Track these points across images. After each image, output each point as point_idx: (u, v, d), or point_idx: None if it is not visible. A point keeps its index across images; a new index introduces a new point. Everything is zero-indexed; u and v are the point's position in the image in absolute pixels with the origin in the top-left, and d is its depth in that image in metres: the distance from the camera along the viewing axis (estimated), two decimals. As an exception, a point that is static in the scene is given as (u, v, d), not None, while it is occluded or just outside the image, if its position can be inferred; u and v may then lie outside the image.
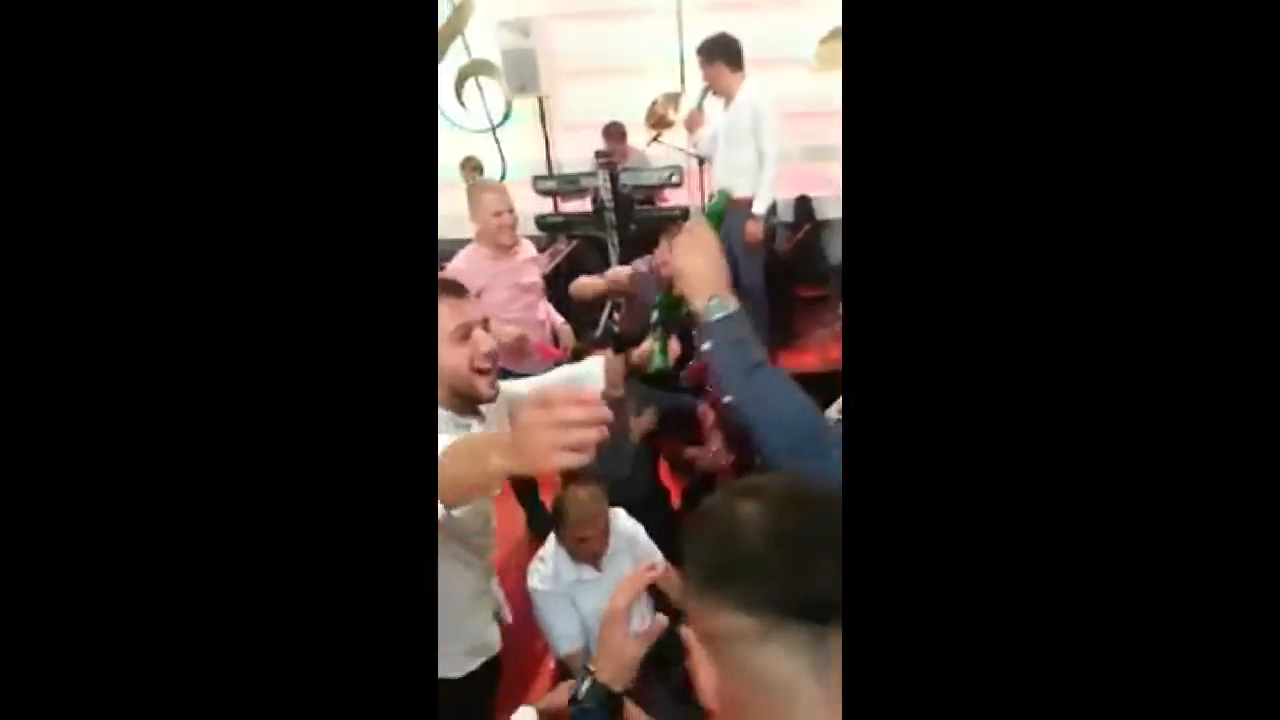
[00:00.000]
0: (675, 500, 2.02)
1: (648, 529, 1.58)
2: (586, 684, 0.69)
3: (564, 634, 1.47)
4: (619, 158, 3.17)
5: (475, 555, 1.05)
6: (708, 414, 1.93)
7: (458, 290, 0.94)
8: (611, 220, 2.76)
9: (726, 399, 0.66)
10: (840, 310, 3.32)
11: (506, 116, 3.74)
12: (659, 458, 2.03)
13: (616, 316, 2.38)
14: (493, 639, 1.14)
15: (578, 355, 1.67)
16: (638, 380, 1.86)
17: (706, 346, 0.69)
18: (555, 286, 2.46)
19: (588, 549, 1.44)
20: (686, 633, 0.41)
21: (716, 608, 0.38)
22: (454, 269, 1.95)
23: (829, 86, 3.27)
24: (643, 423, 1.82)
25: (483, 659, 1.10)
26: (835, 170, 3.60)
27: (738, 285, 0.90)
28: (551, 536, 1.50)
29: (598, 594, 1.42)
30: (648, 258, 2.12)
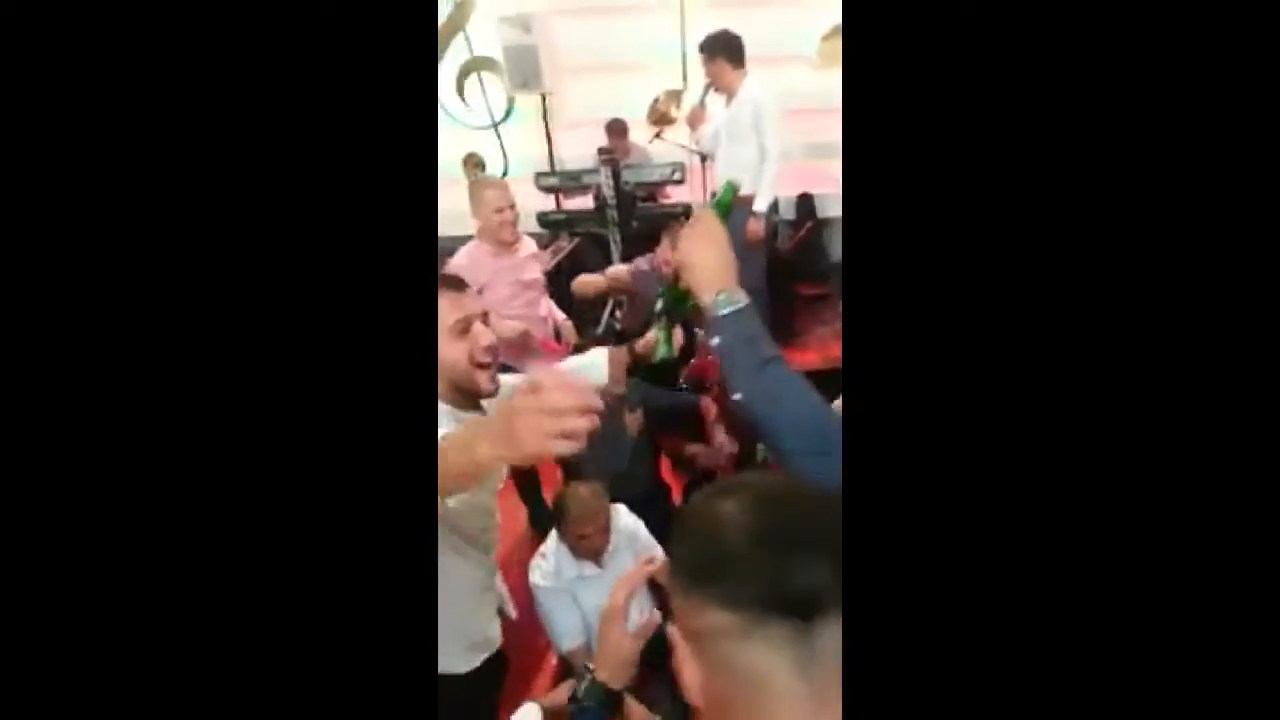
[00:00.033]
0: (676, 497, 2.02)
1: (649, 526, 1.59)
2: (586, 682, 0.69)
3: (565, 630, 1.47)
4: (621, 155, 3.16)
5: (478, 550, 1.05)
6: (710, 409, 1.93)
7: (457, 285, 0.93)
8: (613, 217, 2.77)
9: (736, 396, 0.65)
10: (841, 308, 3.32)
11: (509, 113, 3.73)
12: (660, 454, 2.03)
13: (619, 314, 2.38)
14: (495, 635, 1.14)
15: (580, 351, 1.67)
16: (640, 378, 1.87)
17: (715, 342, 0.67)
18: (557, 284, 2.46)
19: (589, 546, 1.44)
20: (671, 630, 0.41)
21: (701, 605, 0.39)
22: (455, 265, 1.95)
23: (831, 84, 3.26)
24: (635, 419, 1.82)
25: (486, 655, 1.10)
26: (837, 168, 3.58)
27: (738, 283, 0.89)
28: (553, 533, 1.50)
29: (599, 590, 1.42)
30: (649, 255, 2.12)
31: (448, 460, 0.61)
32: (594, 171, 2.80)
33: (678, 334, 1.11)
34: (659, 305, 0.97)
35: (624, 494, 1.59)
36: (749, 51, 2.60)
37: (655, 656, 0.72)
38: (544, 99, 3.48)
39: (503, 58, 3.36)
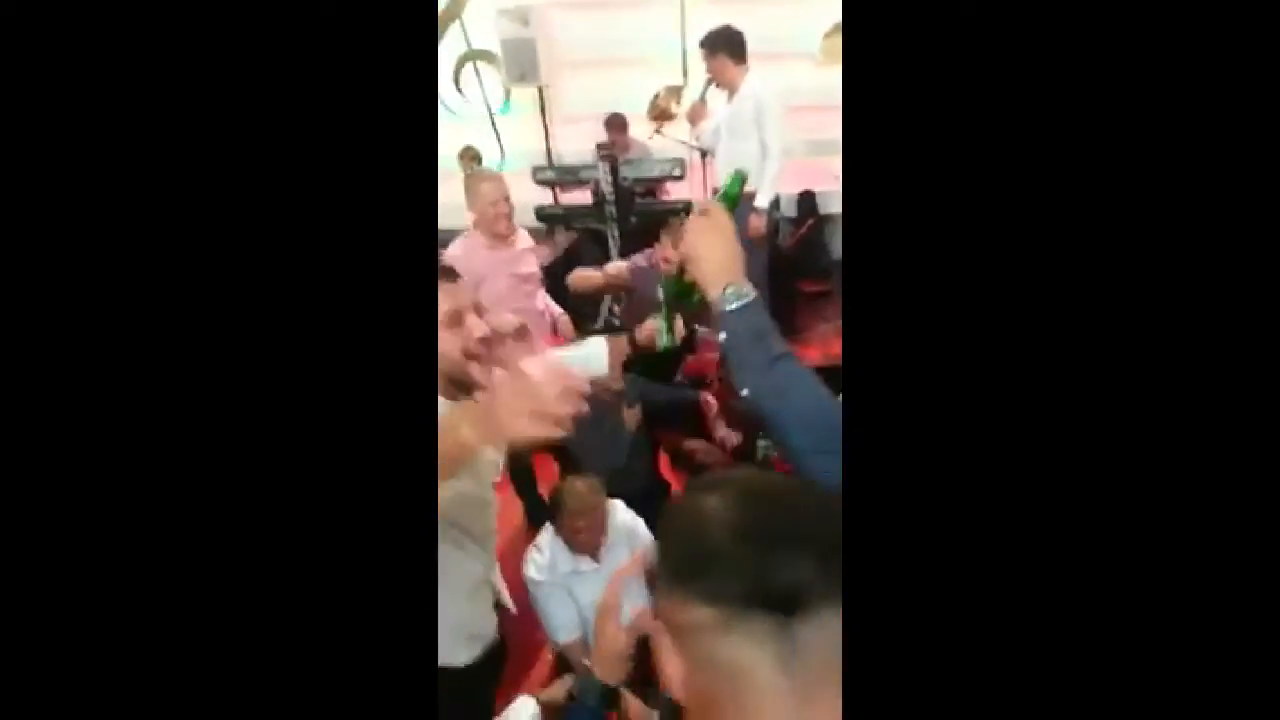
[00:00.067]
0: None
1: (647, 522, 1.58)
2: (582, 679, 0.68)
3: (561, 624, 1.47)
4: (620, 150, 3.15)
5: (475, 543, 1.04)
6: (710, 405, 1.92)
7: (449, 275, 0.92)
8: (611, 213, 2.75)
9: (743, 393, 0.64)
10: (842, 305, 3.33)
11: (506, 106, 3.71)
12: (659, 450, 2.02)
13: (616, 309, 2.36)
14: (492, 627, 1.13)
15: (577, 347, 1.65)
16: (637, 373, 1.85)
17: (722, 338, 0.66)
18: (554, 279, 2.44)
19: (584, 540, 1.43)
20: (654, 625, 0.41)
21: (684, 600, 0.39)
22: (450, 257, 1.93)
23: (833, 80, 3.25)
24: (633, 415, 1.80)
25: (483, 647, 1.09)
26: (839, 165, 3.58)
27: None
28: (548, 526, 1.49)
29: (595, 585, 1.41)
30: (648, 251, 2.10)
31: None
32: (592, 166, 2.78)
33: (679, 323, 1.09)
34: (660, 293, 0.95)
35: (622, 490, 1.58)
36: (751, 47, 2.59)
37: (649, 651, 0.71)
38: (541, 92, 3.46)
39: (500, 50, 3.34)
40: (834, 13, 3.34)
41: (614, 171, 2.68)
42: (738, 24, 2.58)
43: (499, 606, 1.18)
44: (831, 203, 3.71)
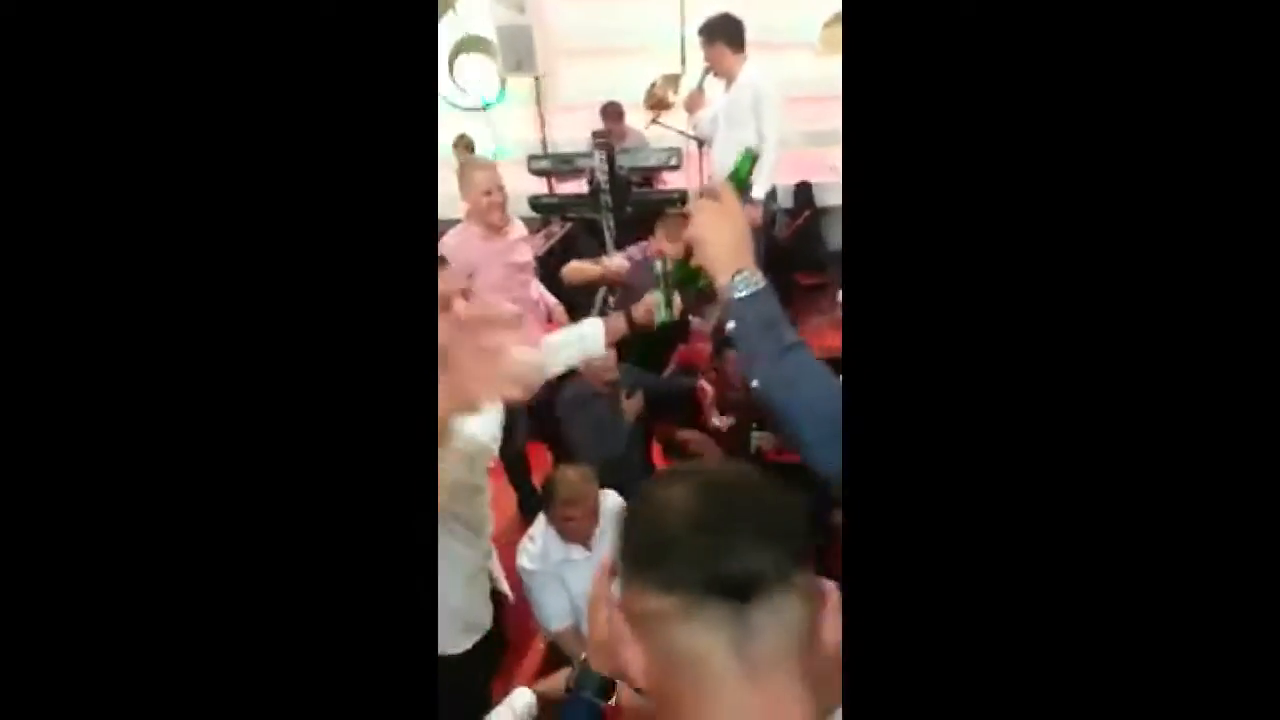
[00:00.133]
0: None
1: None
2: (579, 670, 0.68)
3: (553, 613, 1.47)
4: (616, 139, 3.12)
5: (469, 530, 1.04)
6: (706, 391, 1.92)
7: (440, 262, 0.91)
8: (607, 202, 2.73)
9: (753, 384, 0.62)
10: (839, 298, 3.31)
11: (501, 94, 3.67)
12: (651, 440, 2.02)
13: (611, 301, 2.35)
14: (488, 616, 1.13)
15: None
16: (631, 363, 1.85)
17: (731, 326, 0.63)
18: (548, 269, 2.43)
19: (576, 529, 1.44)
20: (615, 615, 0.42)
21: (643, 589, 0.39)
22: (444, 246, 1.92)
23: (831, 71, 3.23)
24: (633, 404, 1.80)
25: (478, 636, 1.10)
26: (836, 156, 3.57)
27: None
28: (541, 516, 1.49)
29: (587, 574, 1.41)
30: (642, 244, 2.09)
31: None
32: (588, 155, 2.75)
33: (677, 298, 1.07)
34: (658, 266, 0.93)
35: (615, 479, 1.58)
36: (749, 36, 2.57)
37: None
38: (537, 81, 3.43)
39: (496, 38, 3.30)
40: (834, 2, 3.31)
41: (610, 161, 2.66)
42: (737, 12, 2.56)
43: (496, 595, 1.19)
44: (828, 194, 3.70)
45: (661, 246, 1.90)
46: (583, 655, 0.70)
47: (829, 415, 0.56)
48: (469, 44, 3.59)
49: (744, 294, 0.62)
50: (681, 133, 3.11)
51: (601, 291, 2.44)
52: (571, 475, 1.43)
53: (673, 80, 3.48)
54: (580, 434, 1.78)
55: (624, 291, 2.16)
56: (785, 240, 3.53)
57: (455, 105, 3.65)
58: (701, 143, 2.97)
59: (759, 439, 1.92)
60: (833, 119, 3.22)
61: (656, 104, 3.45)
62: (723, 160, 2.68)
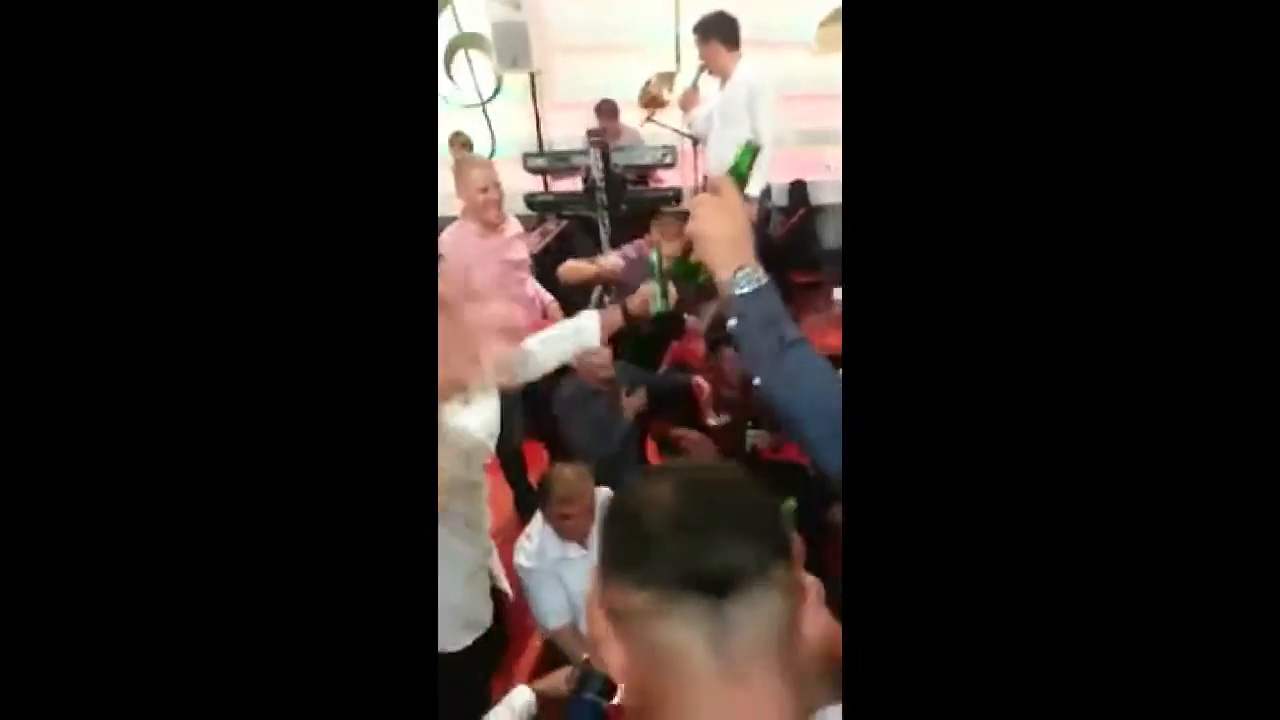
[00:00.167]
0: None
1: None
2: (581, 671, 0.68)
3: (551, 610, 1.47)
4: (611, 136, 3.12)
5: (467, 527, 1.04)
6: (702, 388, 1.92)
7: None
8: (602, 200, 2.73)
9: (755, 382, 0.62)
10: (834, 296, 3.32)
11: (497, 91, 3.66)
12: (645, 438, 2.02)
13: (606, 300, 2.35)
14: (488, 614, 1.13)
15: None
16: (626, 360, 1.85)
17: (732, 324, 0.63)
18: (544, 266, 2.42)
19: (573, 527, 1.44)
20: (596, 613, 0.42)
21: (622, 587, 0.39)
22: (440, 243, 1.91)
23: (827, 70, 3.23)
24: (634, 402, 1.80)
25: (478, 634, 1.10)
26: (831, 154, 3.58)
27: None
28: (538, 514, 1.49)
29: (584, 572, 1.42)
30: (637, 243, 2.09)
31: None
32: (583, 153, 2.75)
33: (672, 289, 1.07)
34: (653, 256, 0.92)
35: (610, 478, 1.58)
36: (744, 34, 2.57)
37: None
38: (533, 78, 3.42)
39: (491, 35, 3.28)
40: (830, 1, 3.32)
41: (605, 158, 2.65)
42: (732, 10, 2.56)
43: (496, 592, 1.18)
44: (823, 193, 3.70)
45: (658, 245, 1.90)
46: (584, 656, 0.70)
47: (832, 412, 0.56)
48: (464, 40, 3.57)
49: (745, 290, 0.62)
50: (676, 131, 3.10)
51: (597, 290, 2.44)
52: (568, 473, 1.43)
53: (668, 78, 3.48)
54: (578, 432, 1.78)
55: (619, 290, 2.16)
56: (780, 239, 3.54)
57: (449, 101, 3.63)
58: (696, 141, 2.97)
59: (755, 437, 1.93)
60: (828, 117, 3.22)
61: (651, 102, 3.45)
62: (718, 158, 2.68)
